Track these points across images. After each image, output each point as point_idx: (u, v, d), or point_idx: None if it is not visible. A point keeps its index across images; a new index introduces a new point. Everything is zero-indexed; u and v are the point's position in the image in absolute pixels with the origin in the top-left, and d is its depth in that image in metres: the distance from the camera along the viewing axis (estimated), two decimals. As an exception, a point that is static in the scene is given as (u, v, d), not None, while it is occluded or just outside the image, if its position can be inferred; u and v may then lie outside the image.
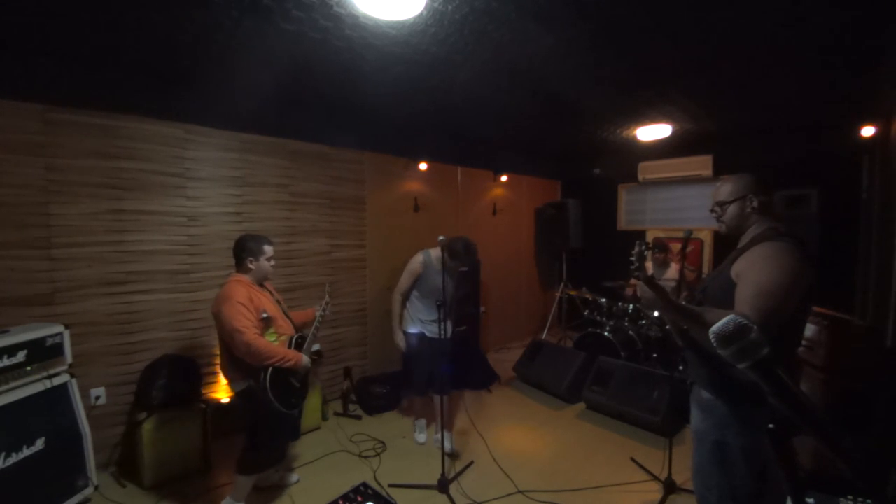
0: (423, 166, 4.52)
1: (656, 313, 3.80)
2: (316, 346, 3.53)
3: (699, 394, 1.59)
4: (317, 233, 3.79)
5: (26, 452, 2.08)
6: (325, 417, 3.53)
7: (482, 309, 4.98)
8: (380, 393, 3.74)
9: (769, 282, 1.32)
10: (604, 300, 4.53)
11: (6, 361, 2.08)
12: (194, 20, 2.05)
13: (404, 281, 3.07)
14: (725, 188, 1.62)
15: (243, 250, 2.29)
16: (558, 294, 5.67)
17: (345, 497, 2.39)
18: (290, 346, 2.31)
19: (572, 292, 4.99)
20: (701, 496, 1.60)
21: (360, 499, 2.37)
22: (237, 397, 2.32)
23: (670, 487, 2.56)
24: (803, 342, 2.16)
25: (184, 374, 2.89)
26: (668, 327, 2.68)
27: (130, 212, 2.84)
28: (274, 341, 2.26)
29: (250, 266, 2.29)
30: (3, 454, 2.00)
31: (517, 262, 5.95)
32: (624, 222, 5.82)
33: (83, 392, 2.54)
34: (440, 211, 4.80)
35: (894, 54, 2.34)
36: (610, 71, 2.70)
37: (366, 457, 3.00)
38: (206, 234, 3.16)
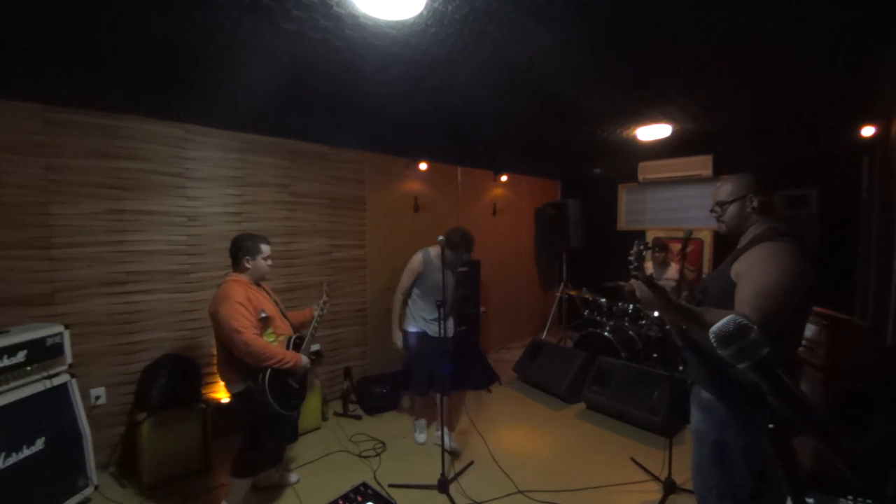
0: (423, 166, 4.52)
1: (656, 313, 3.80)
2: (315, 347, 3.54)
3: (699, 394, 1.59)
4: (317, 233, 3.79)
5: (26, 452, 2.08)
6: (324, 417, 3.52)
7: (482, 309, 4.98)
8: (380, 393, 3.73)
9: (769, 282, 1.32)
10: (604, 300, 4.53)
11: (6, 361, 2.08)
12: (194, 20, 2.05)
13: (405, 280, 3.09)
14: (725, 188, 1.62)
15: (240, 249, 2.28)
16: (558, 294, 5.66)
17: (345, 497, 2.39)
18: (288, 347, 2.29)
19: (572, 292, 4.99)
20: (701, 496, 1.60)
21: (360, 499, 2.37)
22: (234, 399, 2.30)
23: (670, 487, 2.56)
24: (803, 342, 2.16)
25: (183, 374, 2.89)
26: (667, 327, 2.68)
27: (130, 212, 2.84)
28: (272, 342, 2.24)
29: (247, 265, 2.28)
30: (4, 454, 2.00)
31: (517, 262, 5.95)
32: (624, 222, 5.82)
33: (83, 392, 2.54)
34: (440, 211, 4.80)
35: (894, 54, 2.34)
36: (610, 71, 2.70)
37: (366, 457, 3.00)
38: (206, 234, 3.16)
